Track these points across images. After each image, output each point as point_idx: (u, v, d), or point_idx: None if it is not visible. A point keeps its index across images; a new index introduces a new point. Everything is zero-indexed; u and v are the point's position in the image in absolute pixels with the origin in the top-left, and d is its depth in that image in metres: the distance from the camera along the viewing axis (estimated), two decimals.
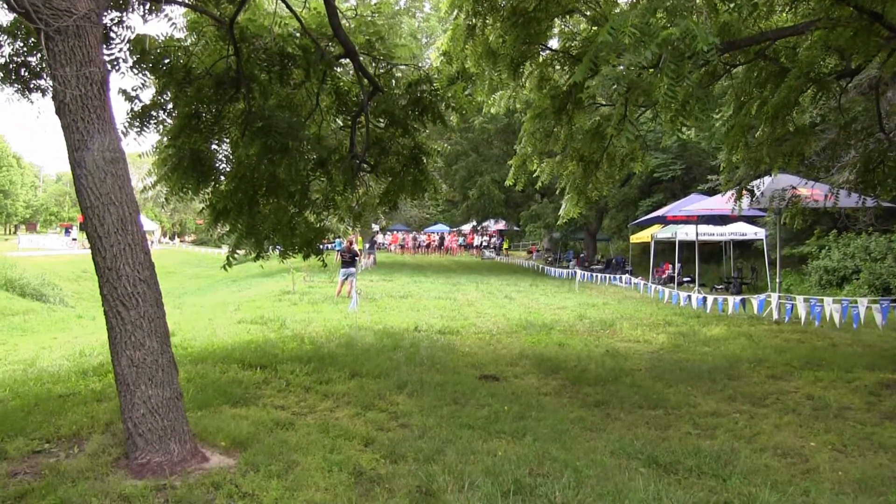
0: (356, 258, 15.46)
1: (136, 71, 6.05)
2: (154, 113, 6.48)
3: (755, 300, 12.46)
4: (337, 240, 23.33)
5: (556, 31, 8.35)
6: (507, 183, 9.35)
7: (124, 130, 6.27)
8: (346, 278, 15.27)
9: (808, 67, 6.34)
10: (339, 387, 6.10)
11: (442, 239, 44.65)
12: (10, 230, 70.76)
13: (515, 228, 43.18)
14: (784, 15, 8.13)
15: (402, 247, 43.96)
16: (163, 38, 6.18)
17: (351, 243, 16.09)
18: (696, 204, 15.94)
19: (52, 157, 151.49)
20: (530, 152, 8.73)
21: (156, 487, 3.53)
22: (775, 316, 11.74)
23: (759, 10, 7.37)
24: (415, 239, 44.73)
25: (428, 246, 43.36)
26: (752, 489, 3.79)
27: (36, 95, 5.81)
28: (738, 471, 4.10)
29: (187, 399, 4.92)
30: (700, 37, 4.27)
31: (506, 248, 43.61)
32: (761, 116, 7.23)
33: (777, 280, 12.67)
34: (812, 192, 9.95)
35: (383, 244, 43.51)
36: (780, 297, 11.92)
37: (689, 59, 4.52)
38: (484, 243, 43.71)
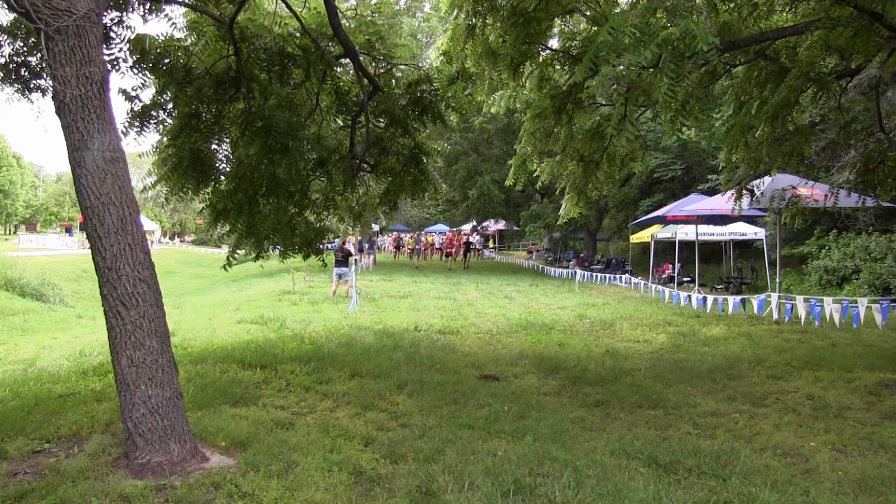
0: (349, 258, 15.39)
1: (136, 71, 6.05)
2: (154, 113, 6.48)
3: (755, 300, 12.46)
4: (336, 239, 23.23)
5: (556, 30, 8.35)
6: (507, 183, 9.35)
7: (124, 130, 6.28)
8: (340, 278, 15.26)
9: (808, 67, 6.34)
10: (339, 387, 6.10)
11: (468, 245, 31.21)
12: (10, 230, 70.77)
13: (515, 228, 42.77)
14: (784, 15, 8.14)
15: (398, 248, 35.23)
16: (163, 38, 6.18)
17: (344, 243, 15.87)
18: (696, 204, 15.92)
19: (52, 157, 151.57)
20: (530, 152, 8.72)
21: (156, 487, 3.53)
22: (775, 316, 11.74)
23: (759, 10, 7.37)
24: (416, 240, 32.89)
25: (448, 255, 30.68)
26: (752, 489, 3.79)
27: (36, 95, 5.81)
28: (738, 471, 4.10)
29: (187, 399, 4.92)
30: (700, 37, 4.27)
31: (491, 247, 42.05)
32: (761, 116, 7.22)
33: (777, 280, 12.66)
34: (812, 191, 9.95)
35: (382, 245, 40.28)
36: (780, 297, 11.92)
37: (689, 58, 4.51)
38: (479, 244, 40.59)
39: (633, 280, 20.18)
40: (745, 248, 22.80)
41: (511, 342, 9.38)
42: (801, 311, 11.20)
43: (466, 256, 30.00)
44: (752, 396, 6.29)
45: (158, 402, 3.83)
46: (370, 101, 6.92)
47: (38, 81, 5.74)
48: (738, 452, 4.48)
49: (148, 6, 5.81)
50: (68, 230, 58.56)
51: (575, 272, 22.89)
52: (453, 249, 30.45)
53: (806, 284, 18.13)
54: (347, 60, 6.94)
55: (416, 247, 31.76)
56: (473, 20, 7.50)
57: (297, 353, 7.59)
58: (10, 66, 5.59)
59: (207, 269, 36.21)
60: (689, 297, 14.38)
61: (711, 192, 19.11)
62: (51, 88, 3.75)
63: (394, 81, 7.50)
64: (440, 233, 42.70)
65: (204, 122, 6.73)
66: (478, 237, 40.85)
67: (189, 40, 6.42)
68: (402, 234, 41.16)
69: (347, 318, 11.25)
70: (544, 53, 8.18)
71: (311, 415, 5.22)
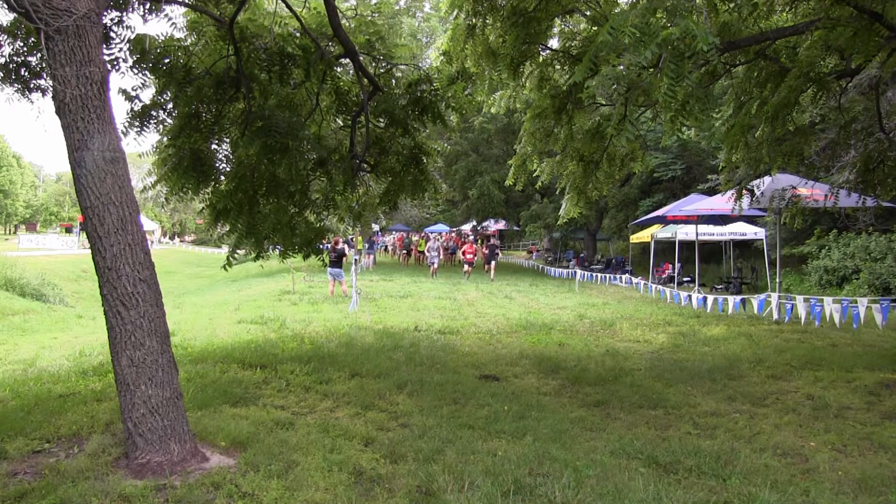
0: (342, 258, 15.29)
1: (136, 71, 6.05)
2: (154, 113, 6.47)
3: (755, 300, 12.46)
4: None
5: (556, 30, 8.36)
6: (507, 183, 9.36)
7: (124, 130, 6.28)
8: (334, 279, 15.23)
9: (808, 67, 6.34)
10: (339, 387, 6.10)
11: (493, 248, 24.18)
12: (10, 230, 70.78)
13: (515, 228, 42.56)
14: (784, 15, 8.14)
15: (408, 252, 30.79)
16: (163, 38, 6.18)
17: (337, 243, 15.44)
18: (696, 204, 15.93)
19: (52, 157, 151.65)
20: (530, 152, 8.73)
21: (156, 487, 3.53)
22: (775, 316, 11.74)
23: (759, 10, 7.37)
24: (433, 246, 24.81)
25: (469, 263, 22.84)
26: (752, 489, 3.79)
27: (36, 95, 5.80)
28: (738, 471, 4.10)
29: (187, 399, 4.92)
30: (700, 37, 4.27)
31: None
32: (761, 116, 7.22)
33: (777, 280, 12.66)
34: (812, 191, 9.95)
35: (384, 244, 39.27)
36: (780, 297, 11.92)
37: (689, 58, 4.52)
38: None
39: (633, 280, 20.17)
40: (745, 248, 22.80)
41: (511, 342, 9.38)
42: (801, 311, 11.20)
43: (491, 263, 22.85)
44: (752, 396, 6.29)
45: (158, 402, 3.83)
46: (370, 101, 6.92)
47: (38, 81, 5.73)
48: (738, 452, 4.48)
49: (148, 6, 5.81)
50: (69, 230, 58.56)
51: (575, 272, 22.88)
52: (471, 256, 23.19)
53: (806, 284, 18.13)
54: (347, 60, 6.95)
55: (434, 252, 24.04)
56: (473, 20, 7.51)
57: (297, 353, 7.59)
58: (10, 66, 5.59)
59: (207, 269, 36.23)
60: (689, 297, 14.38)
61: (711, 192, 19.11)
62: (51, 88, 3.75)
63: (394, 81, 7.50)
64: (440, 233, 40.64)
65: (204, 122, 6.72)
66: (495, 240, 38.52)
67: (189, 40, 6.42)
68: (412, 235, 37.38)
69: (347, 318, 11.25)
70: (544, 53, 8.18)
71: (311, 415, 5.22)
